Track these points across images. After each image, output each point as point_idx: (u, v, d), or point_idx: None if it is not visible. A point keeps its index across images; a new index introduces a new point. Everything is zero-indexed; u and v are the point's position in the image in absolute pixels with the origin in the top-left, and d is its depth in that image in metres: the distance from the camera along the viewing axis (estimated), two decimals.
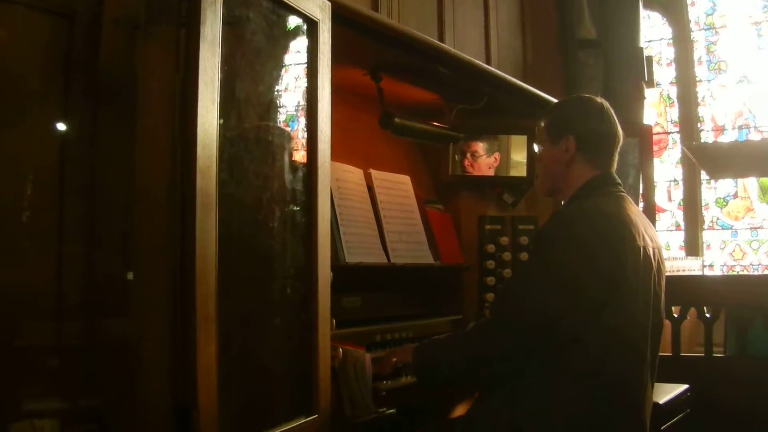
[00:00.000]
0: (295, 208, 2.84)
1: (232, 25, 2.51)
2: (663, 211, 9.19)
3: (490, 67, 4.44)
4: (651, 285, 3.13)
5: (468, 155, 4.82)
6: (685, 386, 4.66)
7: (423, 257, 4.31)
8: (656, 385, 3.27)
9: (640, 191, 7.32)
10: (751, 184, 8.92)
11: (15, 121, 2.76)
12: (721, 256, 9.03)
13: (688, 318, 5.65)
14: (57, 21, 2.83)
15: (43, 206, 2.78)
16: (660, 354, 3.28)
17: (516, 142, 4.88)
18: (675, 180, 9.30)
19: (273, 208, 2.74)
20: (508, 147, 4.89)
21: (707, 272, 8.73)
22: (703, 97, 9.26)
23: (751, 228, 8.93)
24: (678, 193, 9.29)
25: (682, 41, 9.33)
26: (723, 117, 9.19)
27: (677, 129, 9.35)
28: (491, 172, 4.87)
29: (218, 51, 2.33)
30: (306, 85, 2.91)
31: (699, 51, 9.35)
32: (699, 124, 9.24)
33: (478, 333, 3.17)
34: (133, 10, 2.82)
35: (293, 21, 2.90)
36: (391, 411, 3.35)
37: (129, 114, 2.45)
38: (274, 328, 2.77)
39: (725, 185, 9.07)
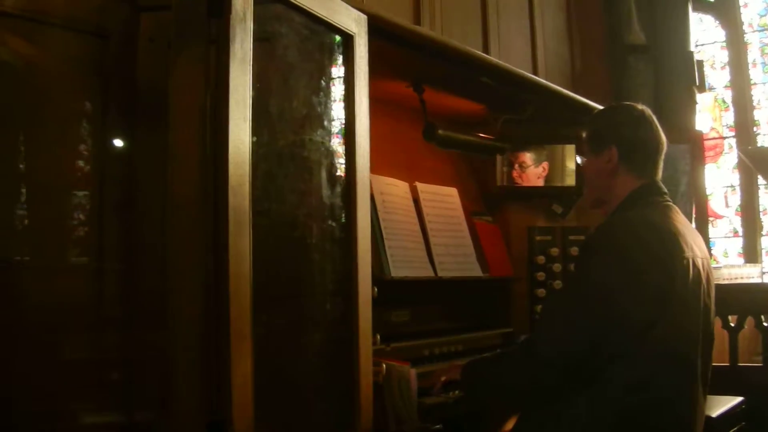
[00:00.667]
0: (333, 224, 2.82)
1: (264, 41, 2.51)
2: (720, 217, 9.07)
3: (534, 77, 4.40)
4: (701, 298, 3.07)
5: (516, 166, 4.78)
6: (740, 398, 4.56)
7: (471, 270, 4.27)
8: (709, 397, 3.21)
9: (693, 198, 7.23)
10: None
11: (55, 139, 2.80)
12: None
13: (746, 327, 5.53)
14: (92, 40, 2.87)
15: (83, 221, 2.81)
16: (715, 364, 3.22)
17: (568, 150, 4.83)
18: (732, 186, 9.17)
19: (310, 225, 2.73)
20: (562, 155, 4.84)
21: (767, 279, 8.58)
22: (759, 101, 9.13)
23: None
24: (735, 199, 9.16)
25: (736, 44, 9.21)
26: None
27: (733, 133, 9.23)
28: (540, 183, 4.82)
29: (249, 68, 2.32)
30: (343, 99, 2.89)
31: (753, 53, 9.24)
32: (755, 128, 9.10)
33: (525, 352, 3.12)
34: (168, 27, 2.85)
35: (328, 35, 2.88)
36: (437, 427, 3.31)
37: (166, 130, 2.45)
38: (313, 345, 2.76)
39: None
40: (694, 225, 6.54)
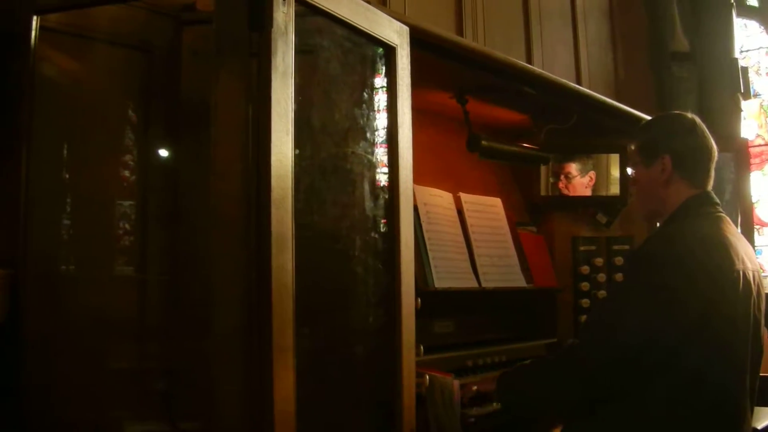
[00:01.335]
0: (376, 236, 2.82)
1: (305, 54, 2.52)
2: (766, 225, 8.95)
3: (578, 86, 4.38)
4: (750, 311, 3.03)
5: (562, 177, 4.76)
6: None
7: (515, 280, 4.26)
8: (756, 409, 3.17)
9: (738, 207, 7.15)
10: None
11: (100, 151, 2.84)
12: None
13: None
14: (136, 55, 2.91)
15: (127, 232, 2.85)
16: (763, 374, 3.18)
17: (612, 159, 4.80)
18: None
19: (353, 237, 2.73)
20: (607, 164, 4.82)
21: None
22: None
23: None
24: None
25: None
26: None
27: None
28: (588, 192, 4.80)
29: (291, 82, 2.32)
30: (386, 111, 2.89)
31: None
32: None
33: (568, 358, 3.10)
34: (210, 41, 2.87)
35: (370, 47, 2.88)
36: None
37: (209, 142, 2.47)
38: (356, 357, 2.76)
39: None
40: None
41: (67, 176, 2.80)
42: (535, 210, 4.85)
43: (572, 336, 4.61)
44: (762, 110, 9.19)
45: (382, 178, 2.88)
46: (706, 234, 3.03)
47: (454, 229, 4.01)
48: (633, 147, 3.38)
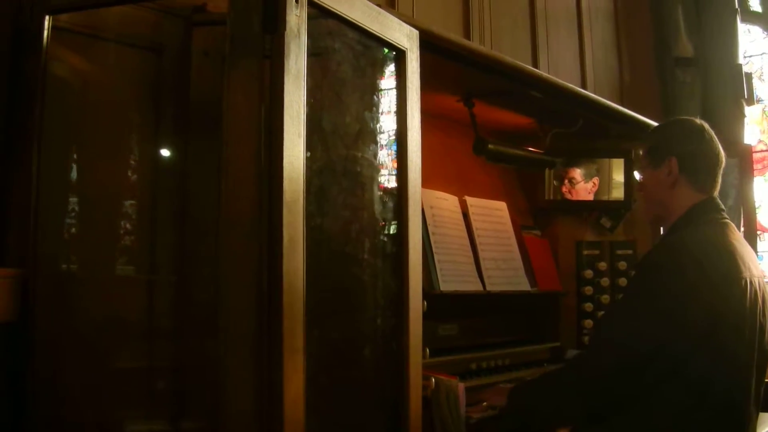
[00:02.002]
0: (384, 239, 2.83)
1: (317, 57, 2.52)
2: (766, 230, 8.96)
3: (584, 91, 4.38)
4: (756, 317, 3.05)
5: (566, 182, 4.77)
6: None
7: (519, 284, 4.27)
8: (760, 415, 3.18)
9: (741, 213, 7.15)
10: None
11: (109, 152, 2.84)
12: None
13: None
14: (146, 55, 2.91)
15: (136, 232, 2.85)
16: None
17: (616, 164, 4.81)
18: None
19: (362, 240, 2.73)
20: (610, 169, 4.83)
21: None
22: None
23: None
24: None
25: None
26: None
27: None
28: (590, 197, 4.81)
29: (303, 84, 2.33)
30: (395, 114, 2.90)
31: None
32: None
33: (575, 371, 3.12)
34: (221, 41, 2.87)
35: (380, 50, 2.89)
36: None
37: (220, 143, 2.47)
38: (364, 359, 2.76)
39: None
40: None
41: (77, 176, 2.80)
42: (539, 214, 4.86)
43: (575, 340, 4.63)
44: (764, 116, 9.20)
45: (391, 181, 2.88)
46: (712, 242, 3.05)
47: (459, 232, 4.02)
48: (641, 151, 3.39)
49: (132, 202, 2.88)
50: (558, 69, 6.09)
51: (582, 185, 4.80)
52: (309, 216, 2.34)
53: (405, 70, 2.90)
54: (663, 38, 8.08)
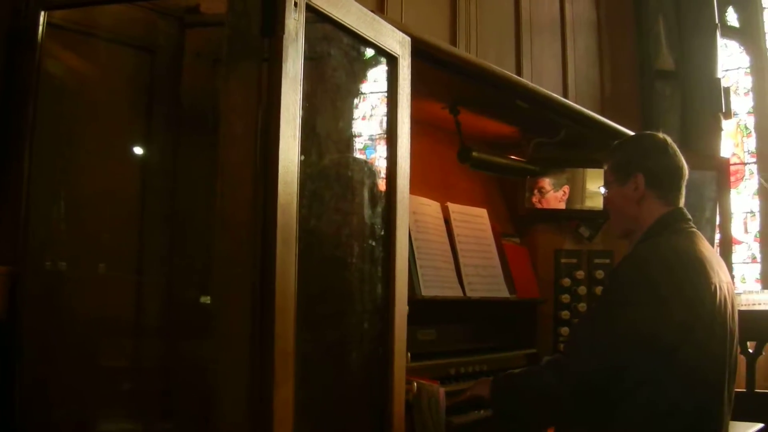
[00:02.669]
0: (373, 243, 2.84)
1: (312, 61, 2.53)
2: (739, 243, 9.04)
3: (568, 101, 4.41)
4: (727, 323, 3.11)
5: (535, 191, 4.80)
6: (760, 425, 4.54)
7: (498, 291, 4.29)
8: (730, 423, 3.22)
9: (717, 224, 7.22)
10: None
11: (100, 151, 2.83)
12: None
13: (764, 353, 5.54)
14: (139, 54, 2.91)
15: (125, 232, 2.85)
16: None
17: (589, 174, 4.84)
18: (751, 212, 9.16)
19: (352, 244, 2.75)
20: (583, 179, 4.86)
21: None
22: None
23: None
24: (754, 225, 9.14)
25: (760, 70, 9.20)
26: None
27: (754, 160, 9.22)
28: (562, 206, 4.84)
29: (300, 88, 2.33)
30: (386, 120, 2.91)
31: None
32: None
33: (554, 368, 3.16)
34: (213, 43, 2.88)
35: (373, 56, 2.90)
36: None
37: (210, 144, 2.47)
38: (351, 363, 2.77)
39: None
40: (718, 251, 6.56)
41: (67, 175, 2.80)
42: (519, 221, 4.88)
43: (551, 347, 4.66)
44: (739, 129, 9.29)
45: (381, 187, 2.89)
46: (682, 249, 3.11)
47: (441, 238, 4.03)
48: (606, 167, 3.44)
49: (123, 200, 2.88)
50: (541, 78, 6.13)
51: (552, 194, 4.82)
52: (302, 219, 2.35)
53: (397, 76, 2.91)
54: (644, 51, 8.15)
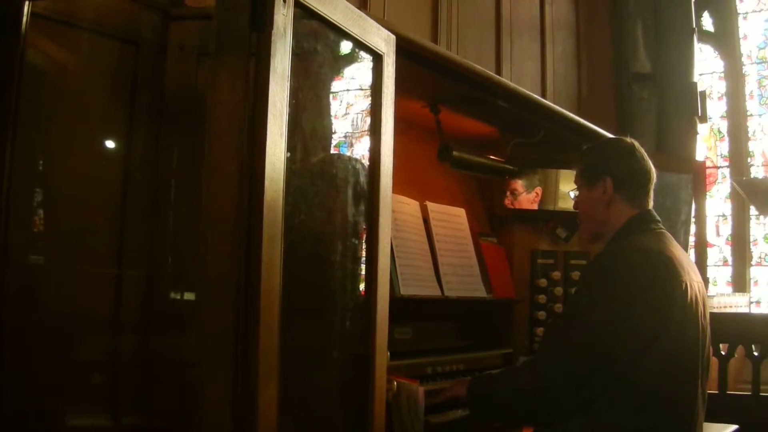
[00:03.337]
0: (356, 241, 2.83)
1: (298, 57, 2.51)
2: (711, 246, 9.12)
3: (548, 102, 4.42)
4: (698, 320, 3.16)
5: (508, 193, 4.82)
6: (735, 426, 4.57)
7: (476, 290, 4.29)
8: (704, 424, 3.25)
9: (692, 228, 7.27)
10: None
11: (80, 143, 2.81)
12: None
13: (735, 356, 5.60)
14: (123, 46, 2.88)
15: (106, 226, 2.82)
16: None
17: (562, 175, 4.86)
18: (723, 215, 9.25)
19: (335, 241, 2.74)
20: (556, 180, 4.87)
21: (754, 308, 8.67)
22: (754, 132, 9.23)
23: None
24: (726, 228, 9.24)
25: (734, 75, 9.30)
26: None
27: (727, 163, 9.30)
28: (534, 207, 4.86)
29: (287, 84, 2.32)
30: (369, 118, 2.90)
31: (750, 85, 9.33)
32: (749, 159, 9.18)
33: (531, 367, 3.19)
34: (198, 36, 2.86)
35: (358, 54, 2.89)
36: None
37: (193, 138, 2.46)
38: (333, 361, 2.77)
39: None
40: (693, 253, 6.62)
41: (48, 166, 2.77)
42: (496, 221, 4.89)
43: (527, 347, 4.67)
44: (712, 133, 9.35)
45: (364, 184, 2.88)
46: (652, 248, 3.17)
47: (419, 237, 4.03)
48: (576, 171, 3.48)
49: (102, 194, 2.85)
50: (520, 78, 6.15)
51: (524, 196, 4.85)
52: (286, 216, 2.34)
53: (381, 74, 2.91)
54: (622, 54, 8.20)
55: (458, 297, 4.13)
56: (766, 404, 5.34)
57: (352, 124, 2.90)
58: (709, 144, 9.34)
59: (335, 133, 2.82)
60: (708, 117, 8.86)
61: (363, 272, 2.84)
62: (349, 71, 2.89)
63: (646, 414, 2.95)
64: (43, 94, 2.75)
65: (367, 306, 2.82)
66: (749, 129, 9.22)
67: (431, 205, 4.19)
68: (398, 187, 3.88)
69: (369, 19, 2.83)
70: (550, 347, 3.23)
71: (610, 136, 4.47)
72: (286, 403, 2.33)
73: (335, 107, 2.81)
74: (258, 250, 2.21)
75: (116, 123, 2.89)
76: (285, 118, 2.31)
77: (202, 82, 2.83)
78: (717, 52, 9.38)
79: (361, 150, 2.92)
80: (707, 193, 9.07)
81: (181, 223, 2.85)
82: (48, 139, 2.77)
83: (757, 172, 9.15)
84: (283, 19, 2.32)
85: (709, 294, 8.14)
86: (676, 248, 3.25)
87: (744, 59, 9.32)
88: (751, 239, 9.10)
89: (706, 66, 9.35)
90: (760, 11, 9.30)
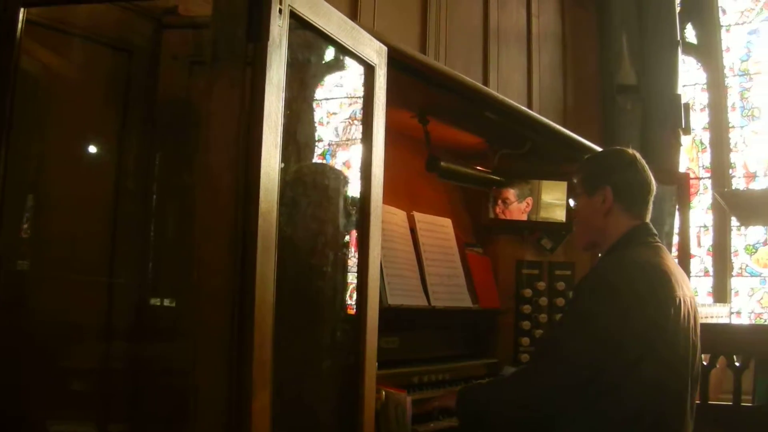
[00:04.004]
0: (347, 252, 2.84)
1: (292, 68, 2.52)
2: (692, 256, 9.14)
3: (535, 114, 4.44)
4: (690, 335, 3.16)
5: (499, 202, 4.82)
6: None
7: (462, 300, 4.30)
8: None
9: (674, 239, 7.30)
10: None
11: (75, 150, 2.80)
12: (749, 303, 9.01)
13: (717, 366, 5.63)
14: (116, 54, 2.87)
15: (97, 234, 2.81)
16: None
17: (547, 186, 4.88)
18: (705, 226, 9.29)
19: (327, 252, 2.74)
20: (545, 191, 4.89)
21: (734, 319, 8.71)
22: (736, 143, 9.28)
23: None
24: (707, 239, 9.27)
25: (716, 87, 9.34)
26: (755, 164, 9.20)
27: (708, 174, 9.35)
28: (524, 218, 4.87)
29: (282, 95, 2.32)
30: (361, 129, 2.91)
31: (733, 97, 9.37)
32: (731, 170, 9.24)
33: (520, 379, 3.20)
34: (191, 45, 2.86)
35: (350, 65, 2.90)
36: None
37: (185, 146, 2.45)
38: (324, 371, 2.77)
39: (755, 232, 9.07)
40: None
41: (41, 174, 2.76)
42: (481, 232, 4.90)
43: (512, 356, 4.68)
44: (694, 144, 9.40)
45: (355, 195, 2.89)
46: (648, 262, 3.17)
47: (407, 247, 4.03)
48: (575, 180, 3.49)
49: (94, 201, 2.85)
50: (507, 89, 6.16)
51: (516, 205, 4.85)
52: (280, 227, 2.34)
53: (373, 85, 2.91)
54: (607, 65, 8.22)
55: (445, 307, 4.14)
56: (747, 414, 5.37)
57: (343, 134, 2.91)
58: (691, 155, 9.38)
59: (321, 141, 2.82)
60: (691, 128, 8.91)
61: (352, 282, 2.84)
62: (340, 82, 2.90)
63: (637, 424, 2.97)
64: (35, 100, 2.74)
65: (358, 316, 2.82)
66: (731, 140, 9.27)
67: (418, 216, 4.20)
68: (385, 197, 3.86)
69: (362, 30, 2.84)
70: (541, 359, 3.24)
71: (597, 147, 4.51)
72: (279, 413, 2.33)
73: (326, 116, 2.82)
74: (253, 261, 2.20)
75: (110, 131, 2.88)
76: (280, 129, 2.31)
77: (195, 91, 2.83)
78: (700, 64, 9.43)
79: (351, 160, 2.92)
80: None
81: (172, 231, 2.84)
82: (40, 146, 2.76)
83: (738, 183, 9.20)
84: (278, 30, 2.32)
85: None
86: (671, 262, 3.28)
87: (726, 71, 9.36)
88: (732, 250, 9.14)
89: (688, 77, 9.39)
90: (742, 24, 9.36)
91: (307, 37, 2.61)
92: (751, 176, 9.18)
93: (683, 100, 8.31)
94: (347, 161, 2.91)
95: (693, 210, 9.24)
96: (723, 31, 9.35)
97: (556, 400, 3.04)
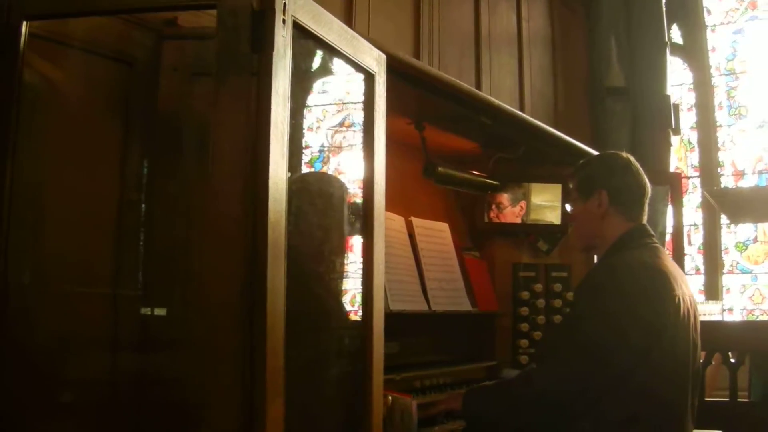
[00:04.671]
0: (350, 259, 2.85)
1: (295, 77, 2.53)
2: (683, 255, 9.20)
3: (529, 117, 4.47)
4: (690, 334, 3.18)
5: (493, 206, 4.84)
6: None
7: (461, 304, 4.32)
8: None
9: (667, 238, 7.33)
10: None
11: (77, 163, 2.79)
12: (740, 300, 9.04)
13: (713, 363, 5.66)
14: (115, 66, 2.87)
15: (99, 248, 2.81)
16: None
17: (539, 189, 4.90)
18: (695, 224, 9.31)
19: (333, 259, 2.75)
20: (540, 194, 4.91)
21: (726, 316, 8.73)
22: (724, 142, 9.30)
23: None
24: (698, 238, 9.30)
25: (703, 86, 9.37)
26: (743, 162, 9.22)
27: (697, 174, 9.38)
28: (518, 221, 4.90)
29: (288, 105, 2.33)
30: (362, 137, 2.92)
31: (720, 96, 9.40)
32: (719, 169, 9.27)
33: (526, 379, 3.22)
34: (191, 56, 2.86)
35: (351, 73, 2.91)
36: None
37: (187, 158, 2.46)
38: (331, 378, 2.78)
39: (745, 229, 9.10)
40: None
41: (43, 187, 2.75)
42: (478, 236, 4.92)
43: (510, 359, 4.69)
44: (682, 144, 9.43)
45: (358, 203, 2.90)
46: (647, 262, 3.19)
47: (406, 252, 4.06)
48: (571, 184, 3.52)
49: (96, 214, 2.84)
50: (499, 93, 6.17)
51: (509, 209, 4.88)
52: (289, 236, 2.35)
53: (373, 93, 2.92)
54: (596, 68, 8.24)
55: (444, 311, 4.17)
56: (744, 410, 5.40)
57: (349, 143, 2.92)
58: (679, 155, 9.41)
59: (331, 152, 2.83)
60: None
61: (357, 289, 2.85)
62: (341, 90, 2.91)
63: (639, 424, 2.98)
64: (37, 114, 2.73)
65: (364, 323, 2.83)
66: (719, 139, 9.30)
67: (416, 221, 4.23)
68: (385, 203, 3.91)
69: (361, 39, 2.85)
70: (545, 360, 3.26)
71: (590, 150, 4.53)
72: (290, 420, 2.33)
73: (332, 126, 2.83)
74: (263, 271, 2.21)
75: (109, 142, 2.87)
76: (286, 138, 2.32)
77: (197, 102, 2.84)
78: (686, 64, 9.45)
79: (351, 167, 2.94)
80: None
81: (176, 242, 2.85)
82: (42, 160, 2.75)
83: (727, 181, 9.23)
84: (283, 40, 2.33)
85: None
86: (669, 262, 3.31)
87: (713, 71, 9.40)
88: (723, 248, 9.18)
89: (675, 78, 9.41)
90: (727, 24, 9.40)
91: (310, 47, 2.62)
92: (740, 174, 9.20)
93: (672, 101, 8.33)
94: (337, 168, 2.91)
95: (683, 209, 9.28)
96: (708, 31, 9.39)
97: (557, 401, 3.06)
